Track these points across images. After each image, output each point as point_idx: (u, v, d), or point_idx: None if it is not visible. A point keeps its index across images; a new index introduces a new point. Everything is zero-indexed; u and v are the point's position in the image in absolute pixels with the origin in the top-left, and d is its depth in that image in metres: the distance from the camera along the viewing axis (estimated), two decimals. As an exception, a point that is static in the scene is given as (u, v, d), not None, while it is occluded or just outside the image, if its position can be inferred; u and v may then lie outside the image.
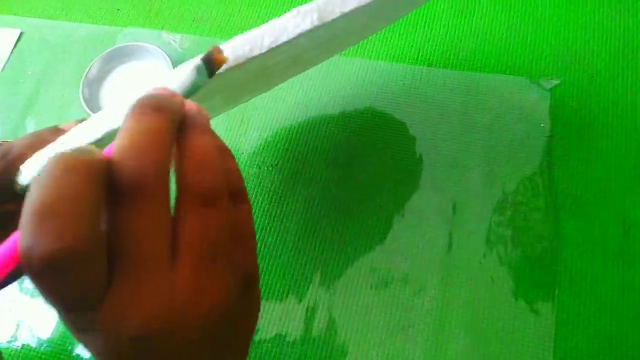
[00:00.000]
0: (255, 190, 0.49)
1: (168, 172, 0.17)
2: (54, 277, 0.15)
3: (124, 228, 0.16)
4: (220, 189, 0.18)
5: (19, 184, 0.22)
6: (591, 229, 0.45)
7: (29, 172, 0.22)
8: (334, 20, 0.27)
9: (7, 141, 0.28)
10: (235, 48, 0.26)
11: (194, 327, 0.17)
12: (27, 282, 0.47)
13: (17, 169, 0.22)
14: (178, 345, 0.17)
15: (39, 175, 0.15)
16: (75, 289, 0.16)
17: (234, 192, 0.20)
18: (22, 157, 0.24)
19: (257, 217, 0.48)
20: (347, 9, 0.27)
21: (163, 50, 0.56)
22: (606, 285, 0.42)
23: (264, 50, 0.26)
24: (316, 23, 0.27)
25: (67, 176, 0.15)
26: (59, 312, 0.17)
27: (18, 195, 0.25)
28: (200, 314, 0.17)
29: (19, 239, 0.15)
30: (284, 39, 0.26)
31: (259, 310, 0.22)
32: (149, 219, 0.17)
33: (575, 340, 0.41)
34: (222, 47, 0.24)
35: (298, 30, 0.26)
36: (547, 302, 0.42)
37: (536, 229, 0.45)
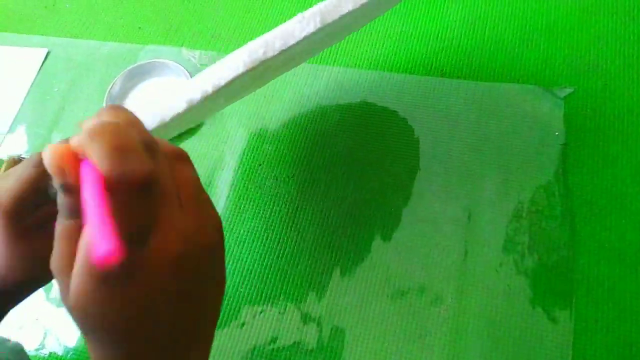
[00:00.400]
0: (273, 200, 0.50)
1: None
2: (136, 199, 0.19)
3: (159, 177, 0.21)
4: (185, 153, 0.24)
5: (53, 189, 0.23)
6: (608, 236, 0.44)
7: None
8: (334, 21, 0.30)
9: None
10: (251, 52, 0.29)
11: (204, 251, 0.22)
12: (53, 293, 0.49)
13: (51, 175, 0.24)
14: (198, 266, 0.22)
15: (98, 130, 0.19)
16: (146, 213, 0.20)
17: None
18: None
19: (275, 227, 0.49)
20: (345, 11, 0.30)
21: (183, 67, 0.58)
22: (624, 292, 0.42)
23: (276, 53, 0.29)
24: (319, 25, 0.30)
25: (126, 128, 0.20)
26: (101, 269, 0.20)
27: (53, 199, 0.26)
28: (205, 241, 0.22)
29: (105, 170, 0.19)
30: (292, 42, 0.30)
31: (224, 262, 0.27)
32: (187, 171, 0.23)
33: (594, 348, 0.41)
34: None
35: (304, 34, 0.30)
36: (565, 310, 0.42)
37: (552, 237, 0.45)
